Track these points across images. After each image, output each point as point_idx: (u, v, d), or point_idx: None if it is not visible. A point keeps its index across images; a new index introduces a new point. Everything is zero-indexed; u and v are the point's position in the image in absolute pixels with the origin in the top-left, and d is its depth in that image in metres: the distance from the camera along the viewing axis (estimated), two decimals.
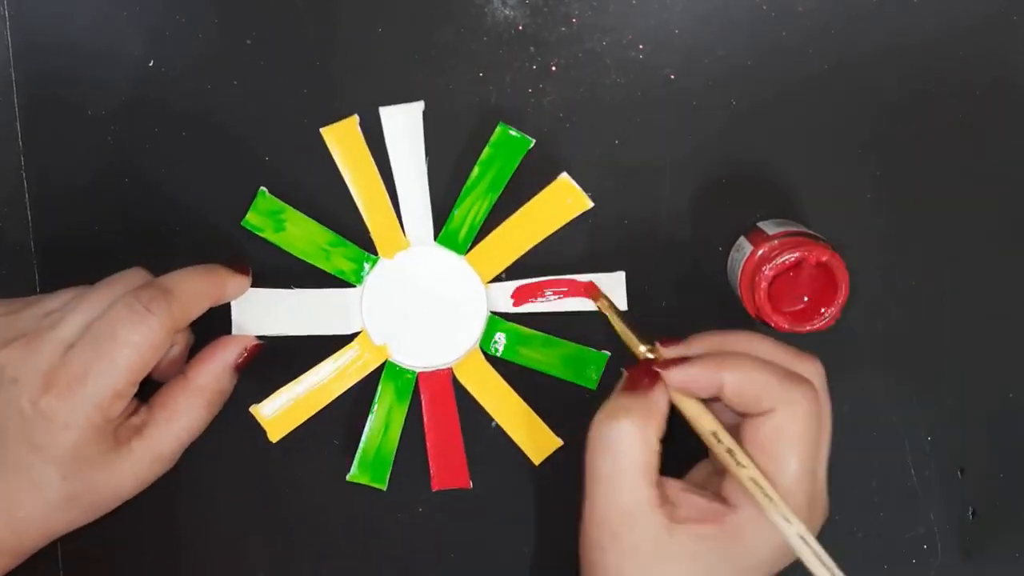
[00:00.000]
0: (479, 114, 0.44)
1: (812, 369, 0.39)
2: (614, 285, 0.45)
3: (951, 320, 0.45)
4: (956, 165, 0.44)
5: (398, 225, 0.45)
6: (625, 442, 0.37)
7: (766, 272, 0.39)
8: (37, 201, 0.46)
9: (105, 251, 0.46)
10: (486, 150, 0.44)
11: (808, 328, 0.40)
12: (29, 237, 0.46)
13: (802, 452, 0.37)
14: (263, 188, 0.44)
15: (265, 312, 0.45)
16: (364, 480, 0.45)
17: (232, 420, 0.44)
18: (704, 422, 0.38)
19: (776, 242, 0.40)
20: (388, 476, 0.45)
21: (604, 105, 0.44)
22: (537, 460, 0.45)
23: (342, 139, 0.44)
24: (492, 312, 0.45)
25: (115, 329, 0.38)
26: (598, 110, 0.44)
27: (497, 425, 0.46)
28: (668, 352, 0.40)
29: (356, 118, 0.44)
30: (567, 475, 0.45)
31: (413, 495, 0.46)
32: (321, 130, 0.44)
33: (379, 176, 0.44)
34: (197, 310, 0.41)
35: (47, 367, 0.38)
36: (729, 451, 0.37)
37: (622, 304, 0.44)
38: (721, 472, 0.39)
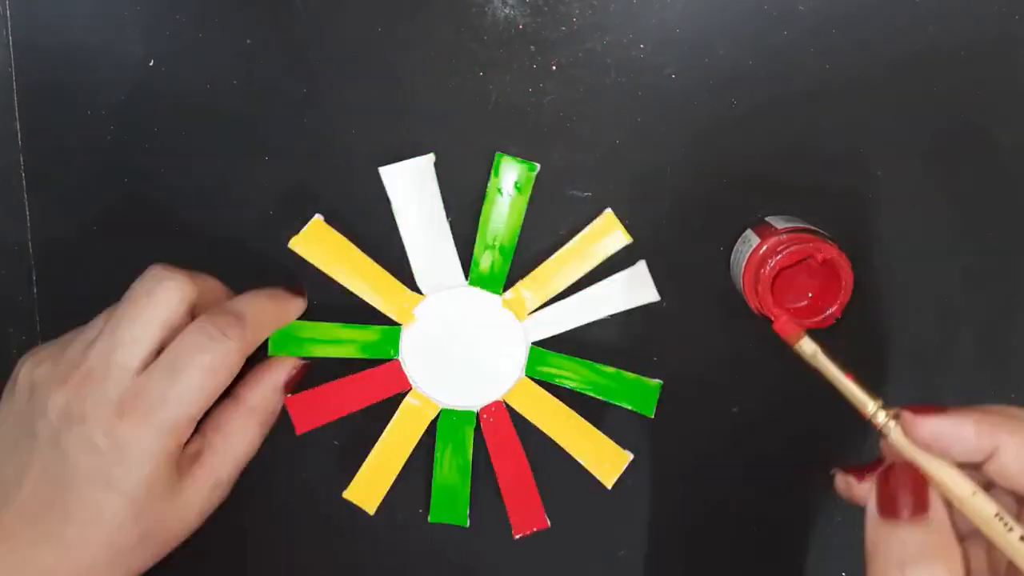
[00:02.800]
0: (479, 114, 0.44)
1: None
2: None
3: (951, 320, 0.45)
4: (957, 165, 0.44)
5: (402, 287, 0.45)
6: None
7: (771, 265, 0.39)
8: (36, 200, 0.46)
9: (104, 251, 0.46)
10: (492, 183, 0.44)
11: (808, 325, 0.40)
12: (28, 236, 0.46)
13: None
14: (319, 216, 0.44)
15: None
16: (445, 520, 0.46)
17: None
18: (978, 500, 0.30)
19: (784, 236, 0.40)
20: (467, 513, 0.46)
21: (605, 105, 0.44)
22: (609, 483, 0.45)
23: (314, 242, 0.44)
24: (534, 344, 0.45)
25: (192, 354, 0.38)
26: (598, 110, 0.44)
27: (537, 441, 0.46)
28: (916, 418, 0.31)
29: (319, 217, 0.44)
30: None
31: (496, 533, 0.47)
32: (290, 244, 0.44)
33: (366, 257, 0.44)
34: (266, 334, 0.42)
35: (117, 396, 0.37)
36: None
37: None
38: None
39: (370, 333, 0.45)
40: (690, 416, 0.46)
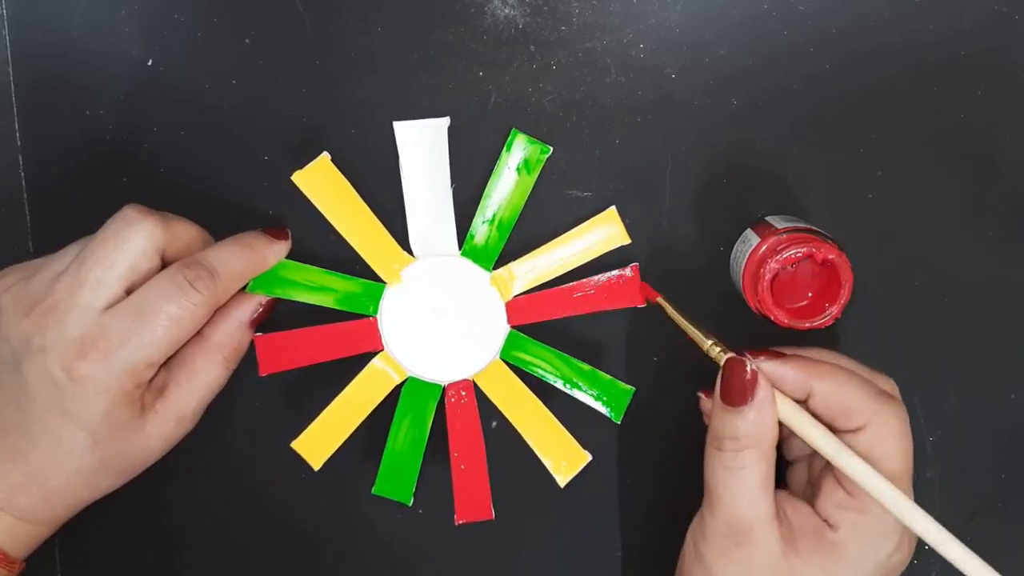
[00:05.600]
0: (479, 114, 0.44)
1: (890, 386, 0.39)
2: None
3: (952, 320, 0.45)
4: (957, 164, 0.44)
5: (396, 245, 0.44)
6: (747, 463, 0.37)
7: (771, 265, 0.39)
8: (35, 200, 0.46)
9: None
10: (503, 158, 0.44)
11: (808, 325, 0.40)
12: (27, 236, 0.46)
13: (897, 469, 0.37)
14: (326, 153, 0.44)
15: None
16: (388, 494, 0.45)
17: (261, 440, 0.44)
18: (791, 408, 0.38)
19: (784, 236, 0.40)
20: (412, 491, 0.45)
21: (604, 104, 0.44)
22: (563, 481, 0.45)
23: (318, 180, 0.44)
24: (513, 328, 0.45)
25: (159, 303, 0.39)
26: (598, 109, 0.44)
27: (496, 425, 0.45)
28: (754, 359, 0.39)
29: (326, 155, 0.44)
30: (594, 495, 0.45)
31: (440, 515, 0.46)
32: (292, 177, 0.43)
33: (365, 206, 0.44)
34: (239, 285, 0.42)
35: (79, 333, 0.38)
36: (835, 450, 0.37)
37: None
38: (809, 488, 0.40)
39: (353, 285, 0.44)
40: (690, 416, 0.46)
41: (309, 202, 0.44)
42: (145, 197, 0.45)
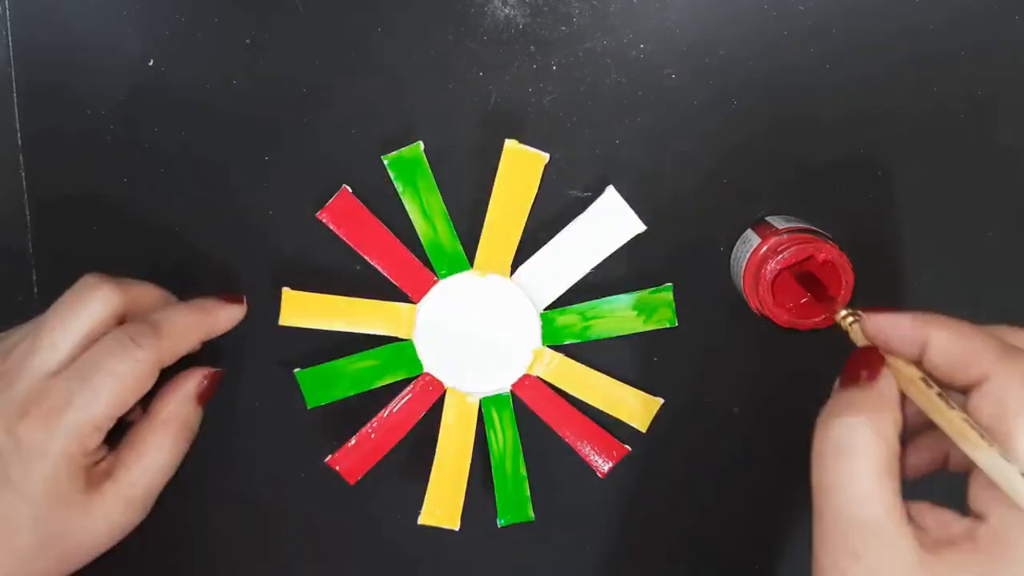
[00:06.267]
0: (479, 114, 0.44)
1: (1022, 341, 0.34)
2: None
3: None
4: (958, 164, 0.44)
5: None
6: (859, 440, 0.31)
7: (772, 265, 0.39)
8: (35, 201, 0.46)
9: (103, 251, 0.46)
10: (396, 185, 0.44)
11: (809, 325, 0.40)
12: (28, 238, 0.46)
13: None
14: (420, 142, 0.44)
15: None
16: (513, 519, 0.46)
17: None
18: (913, 376, 0.33)
19: (784, 236, 0.40)
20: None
21: (605, 105, 0.44)
22: (644, 427, 0.46)
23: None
24: (548, 346, 0.45)
25: (101, 360, 0.38)
26: (599, 110, 0.44)
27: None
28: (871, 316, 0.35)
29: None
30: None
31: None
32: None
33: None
34: (186, 346, 0.41)
35: (23, 396, 0.37)
36: (963, 418, 0.31)
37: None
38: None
39: (390, 351, 0.45)
40: (690, 416, 0.46)
41: (304, 205, 0.44)
42: (144, 197, 0.45)
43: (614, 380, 0.45)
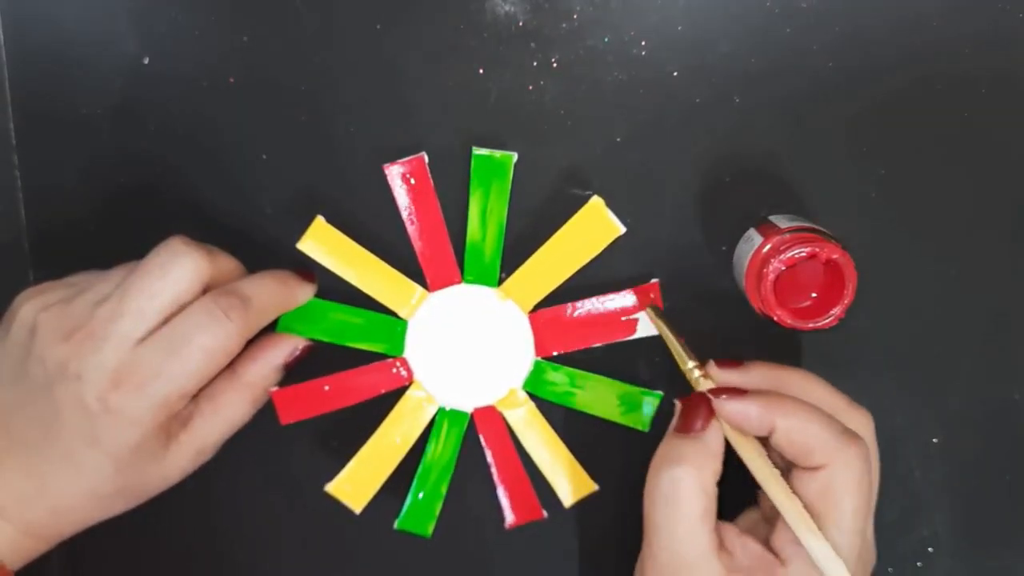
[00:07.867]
0: (479, 112, 0.44)
1: (863, 421, 0.40)
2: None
3: (955, 321, 0.45)
4: (960, 164, 0.44)
5: (409, 281, 0.44)
6: (682, 490, 0.37)
7: (775, 265, 0.39)
8: (31, 200, 0.46)
9: (100, 250, 0.45)
10: (472, 181, 0.43)
11: (812, 326, 0.39)
12: (23, 236, 0.46)
13: (851, 512, 0.37)
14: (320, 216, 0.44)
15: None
16: (410, 528, 0.46)
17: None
18: (749, 450, 0.38)
19: (787, 236, 0.40)
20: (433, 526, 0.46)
21: (606, 102, 0.44)
22: (568, 502, 0.45)
23: (321, 241, 0.44)
24: (540, 358, 0.45)
25: (192, 333, 0.38)
26: (600, 107, 0.44)
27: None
28: (721, 375, 0.40)
29: (320, 218, 0.44)
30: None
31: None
32: (297, 245, 0.44)
33: (370, 254, 0.44)
34: (269, 318, 0.42)
35: (115, 364, 0.38)
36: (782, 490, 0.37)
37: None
38: (770, 521, 0.39)
39: (373, 317, 0.45)
40: None
41: (302, 204, 0.44)
42: (141, 195, 0.45)
43: (565, 450, 0.45)
